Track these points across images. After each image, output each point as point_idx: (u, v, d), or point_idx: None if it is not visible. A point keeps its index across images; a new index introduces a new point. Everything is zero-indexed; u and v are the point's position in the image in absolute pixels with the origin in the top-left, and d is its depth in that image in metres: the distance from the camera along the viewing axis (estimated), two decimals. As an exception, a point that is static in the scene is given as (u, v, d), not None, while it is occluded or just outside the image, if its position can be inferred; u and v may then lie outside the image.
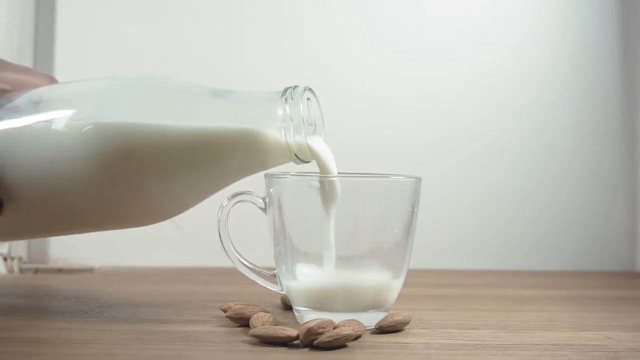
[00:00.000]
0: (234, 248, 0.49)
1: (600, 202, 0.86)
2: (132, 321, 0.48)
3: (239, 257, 0.50)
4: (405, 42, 0.86)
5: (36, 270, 0.77)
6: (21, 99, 0.48)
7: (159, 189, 0.47)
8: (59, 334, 0.44)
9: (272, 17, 0.85)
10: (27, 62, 0.81)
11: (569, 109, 0.87)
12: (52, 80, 0.52)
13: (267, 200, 0.48)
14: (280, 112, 0.46)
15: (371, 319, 0.46)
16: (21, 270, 0.77)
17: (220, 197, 0.49)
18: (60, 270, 0.77)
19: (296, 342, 0.42)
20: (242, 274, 0.50)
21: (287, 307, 0.54)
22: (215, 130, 0.46)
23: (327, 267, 0.46)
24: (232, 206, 0.49)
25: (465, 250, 0.85)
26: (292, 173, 0.48)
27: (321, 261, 0.46)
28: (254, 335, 0.43)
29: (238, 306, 0.48)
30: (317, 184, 0.46)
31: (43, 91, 0.49)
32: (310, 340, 0.42)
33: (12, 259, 0.78)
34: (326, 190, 0.46)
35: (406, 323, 0.47)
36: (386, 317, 0.47)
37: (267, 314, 0.46)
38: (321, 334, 0.42)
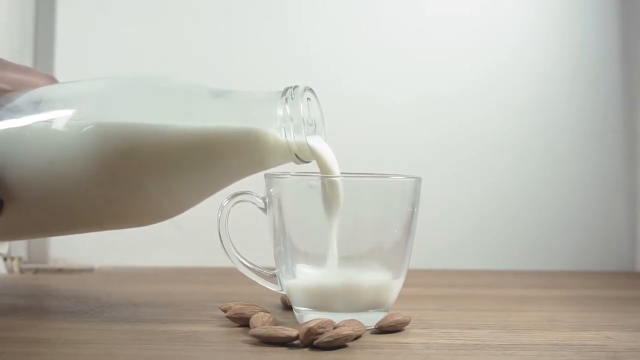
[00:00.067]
0: (234, 248, 0.49)
1: (600, 202, 0.86)
2: (132, 321, 0.48)
3: (239, 257, 0.50)
4: (405, 42, 0.86)
5: (36, 270, 0.77)
6: (21, 99, 0.48)
7: (159, 189, 0.47)
8: (59, 334, 0.44)
9: (272, 17, 0.85)
10: (27, 62, 0.81)
11: (569, 109, 0.87)
12: (53, 80, 0.52)
13: (267, 200, 0.48)
14: (280, 112, 0.46)
15: (371, 319, 0.46)
16: (21, 270, 0.77)
17: (220, 197, 0.49)
18: (60, 270, 0.77)
19: (296, 342, 0.42)
20: (242, 274, 0.50)
21: (287, 307, 0.54)
22: (215, 130, 0.46)
23: (330, 267, 0.46)
24: (232, 206, 0.49)
25: (465, 250, 0.85)
26: (292, 173, 0.48)
27: (321, 261, 0.47)
28: (254, 335, 0.43)
29: (238, 306, 0.48)
30: (319, 185, 0.46)
31: (43, 91, 0.49)
32: (310, 340, 0.42)
33: (12, 259, 0.78)
34: (328, 191, 0.46)
35: (406, 323, 0.47)
36: (386, 317, 0.47)
37: (267, 314, 0.46)
38: (321, 334, 0.42)
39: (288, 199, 0.47)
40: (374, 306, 0.47)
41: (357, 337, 0.44)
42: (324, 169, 0.47)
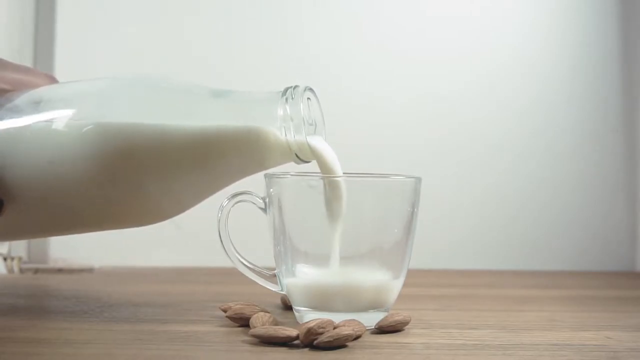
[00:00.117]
0: (234, 248, 0.49)
1: (600, 202, 0.86)
2: (132, 321, 0.48)
3: (239, 257, 0.50)
4: (405, 42, 0.86)
5: (36, 270, 0.77)
6: (21, 99, 0.48)
7: (159, 189, 0.47)
8: (59, 334, 0.44)
9: (272, 17, 0.85)
10: (27, 62, 0.81)
11: (569, 109, 0.87)
12: (53, 80, 0.52)
13: (267, 200, 0.48)
14: (280, 111, 0.46)
15: (371, 319, 0.46)
16: (21, 270, 0.77)
17: (220, 197, 0.49)
18: (60, 270, 0.77)
19: (296, 342, 0.42)
20: (242, 274, 0.50)
21: (287, 307, 0.54)
22: (215, 130, 0.46)
23: (332, 267, 0.46)
24: (232, 206, 0.49)
25: (465, 250, 0.85)
26: (292, 173, 0.48)
27: (321, 261, 0.47)
28: (254, 335, 0.43)
29: (238, 306, 0.48)
30: (319, 185, 0.46)
31: (43, 91, 0.49)
32: (310, 340, 0.42)
33: (12, 259, 0.78)
34: (330, 192, 0.46)
35: (406, 323, 0.47)
36: (386, 317, 0.47)
37: (267, 314, 0.46)
38: (321, 334, 0.42)
39: (288, 199, 0.47)
40: (374, 306, 0.47)
41: (357, 337, 0.44)
42: (325, 169, 0.47)
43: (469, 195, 0.85)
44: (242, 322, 0.47)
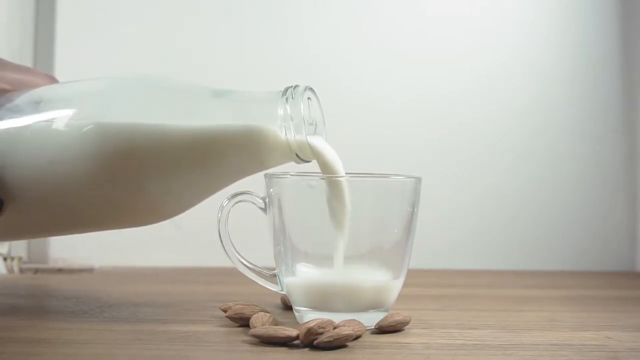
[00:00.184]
0: (234, 248, 0.49)
1: (600, 202, 0.86)
2: (132, 321, 0.48)
3: (239, 257, 0.50)
4: (405, 42, 0.86)
5: (36, 270, 0.77)
6: (21, 99, 0.48)
7: (159, 189, 0.47)
8: (59, 334, 0.44)
9: (272, 17, 0.85)
10: (27, 62, 0.81)
11: (569, 109, 0.87)
12: (53, 80, 0.52)
13: (267, 200, 0.48)
14: (280, 111, 0.46)
15: (371, 319, 0.46)
16: (21, 270, 0.77)
17: (220, 197, 0.49)
18: (60, 270, 0.77)
19: (296, 342, 0.42)
20: (242, 274, 0.50)
21: (287, 307, 0.54)
22: (215, 129, 0.46)
23: (336, 269, 0.46)
24: (232, 206, 0.49)
25: (465, 250, 0.85)
26: (292, 173, 0.48)
27: (321, 261, 0.47)
28: (254, 335, 0.43)
29: (238, 306, 0.48)
30: (319, 185, 0.46)
31: (43, 91, 0.49)
32: (310, 340, 0.42)
33: (12, 259, 0.78)
34: (331, 193, 0.46)
35: (406, 323, 0.47)
36: (386, 317, 0.47)
37: (267, 314, 0.46)
38: (321, 334, 0.42)
39: (288, 199, 0.47)
40: (374, 306, 0.47)
41: (357, 337, 0.44)
42: (325, 168, 0.47)
43: (469, 195, 0.85)
44: (242, 322, 0.47)
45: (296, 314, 0.49)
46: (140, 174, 0.46)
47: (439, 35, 0.86)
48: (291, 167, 0.49)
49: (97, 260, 0.80)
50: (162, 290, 0.65)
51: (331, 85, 0.80)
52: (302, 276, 0.47)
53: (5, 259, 0.77)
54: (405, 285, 0.49)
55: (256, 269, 0.50)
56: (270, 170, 0.49)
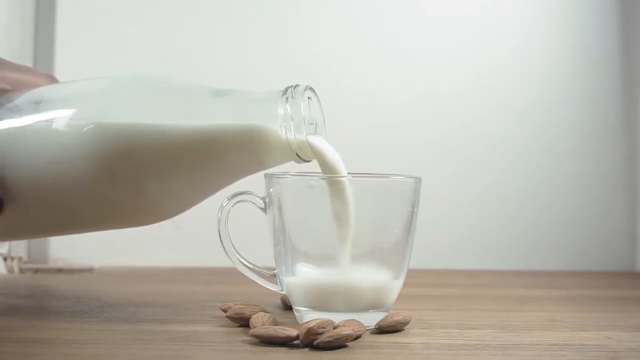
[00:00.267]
0: (234, 248, 0.49)
1: (600, 202, 0.86)
2: (132, 321, 0.48)
3: (239, 257, 0.50)
4: (405, 42, 0.86)
5: (36, 270, 0.77)
6: (22, 99, 0.48)
7: (159, 189, 0.47)
8: (59, 334, 0.44)
9: (272, 17, 0.85)
10: (27, 62, 0.81)
11: (569, 109, 0.87)
12: (53, 80, 0.52)
13: (267, 200, 0.48)
14: (281, 111, 0.46)
15: (371, 319, 0.46)
16: (21, 270, 0.77)
17: (220, 197, 0.49)
18: (60, 270, 0.77)
19: (296, 342, 0.42)
20: (242, 274, 0.50)
21: (287, 307, 0.54)
22: (215, 129, 0.46)
23: (340, 266, 0.46)
24: (232, 206, 0.49)
25: (465, 250, 0.85)
26: (292, 173, 0.48)
27: (321, 261, 0.47)
28: (254, 335, 0.43)
29: (238, 306, 0.48)
30: (319, 185, 0.46)
31: (43, 91, 0.49)
32: (310, 340, 0.42)
33: (12, 259, 0.78)
34: (333, 191, 0.46)
35: (406, 323, 0.47)
36: (386, 317, 0.47)
37: (267, 314, 0.46)
38: (321, 334, 0.42)
39: (288, 199, 0.47)
40: (374, 306, 0.47)
41: (357, 337, 0.44)
42: (326, 168, 0.47)
43: (469, 195, 0.85)
44: (242, 322, 0.47)
45: (296, 314, 0.49)
46: (140, 174, 0.46)
47: (439, 35, 0.86)
48: (291, 167, 0.49)
49: (97, 260, 0.80)
50: (162, 290, 0.65)
51: (331, 85, 0.80)
52: (302, 276, 0.47)
53: (5, 259, 0.77)
54: (405, 285, 0.49)
55: (256, 269, 0.50)
56: (270, 170, 0.49)
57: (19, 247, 0.78)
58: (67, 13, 0.82)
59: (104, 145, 0.45)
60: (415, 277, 0.55)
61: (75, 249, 0.79)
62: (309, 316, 0.46)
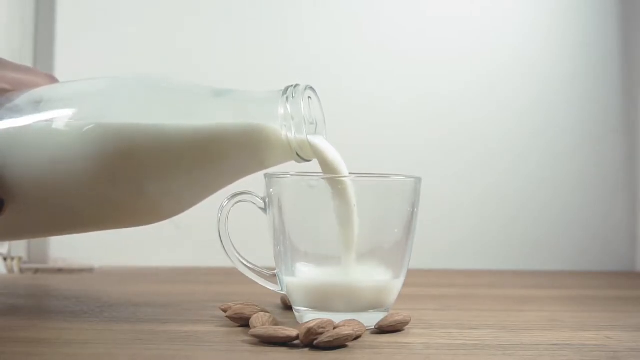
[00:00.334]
0: (234, 248, 0.49)
1: (600, 202, 0.86)
2: (132, 321, 0.48)
3: (239, 257, 0.50)
4: (405, 42, 0.86)
5: (36, 270, 0.77)
6: (22, 99, 0.48)
7: (159, 189, 0.47)
8: (59, 334, 0.44)
9: (272, 17, 0.85)
10: (27, 62, 0.81)
11: (569, 109, 0.87)
12: (53, 80, 0.52)
13: (267, 200, 0.48)
14: (281, 110, 0.46)
15: (371, 319, 0.46)
16: (21, 270, 0.77)
17: (220, 197, 0.49)
18: (60, 270, 0.77)
19: (296, 342, 0.42)
20: (242, 274, 0.50)
21: (287, 307, 0.54)
22: (215, 128, 0.46)
23: (344, 265, 0.46)
24: (232, 206, 0.49)
25: (465, 250, 0.85)
26: (292, 173, 0.48)
27: (321, 261, 0.47)
28: (254, 335, 0.43)
29: (238, 306, 0.48)
30: (319, 185, 0.46)
31: (44, 91, 0.49)
32: (310, 340, 0.42)
33: (12, 259, 0.78)
34: (334, 190, 0.46)
35: (406, 323, 0.47)
36: (386, 317, 0.47)
37: (267, 314, 0.46)
38: (321, 334, 0.42)
39: (288, 199, 0.47)
40: (374, 306, 0.47)
41: (357, 337, 0.44)
42: (326, 167, 0.47)
43: (469, 195, 0.85)
44: (242, 322, 0.47)
45: (296, 314, 0.49)
46: (140, 174, 0.46)
47: (439, 35, 0.86)
48: (291, 166, 0.49)
49: (97, 260, 0.80)
50: (162, 290, 0.65)
51: (331, 85, 0.79)
52: (302, 276, 0.47)
53: (5, 259, 0.77)
54: (405, 285, 0.49)
55: (256, 269, 0.50)
56: (270, 170, 0.49)
57: (19, 247, 0.78)
58: (67, 13, 0.82)
59: (104, 145, 0.45)
60: (415, 277, 0.55)
61: (75, 249, 0.80)
62: (309, 316, 0.46)
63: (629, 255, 0.86)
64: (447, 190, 0.84)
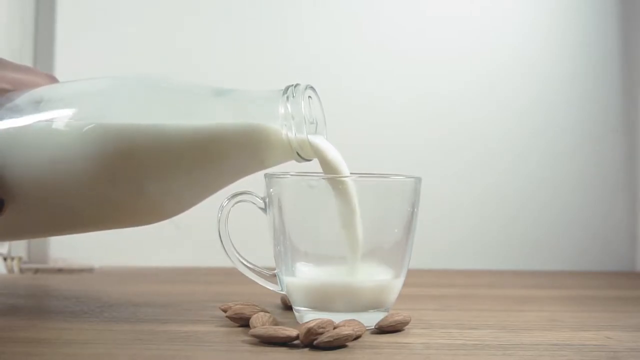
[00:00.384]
0: (234, 248, 0.49)
1: (600, 202, 0.86)
2: (132, 321, 0.48)
3: (239, 257, 0.50)
4: (405, 42, 0.86)
5: (36, 270, 0.77)
6: (22, 99, 0.48)
7: (159, 189, 0.47)
8: (59, 334, 0.44)
9: (272, 17, 0.85)
10: (27, 62, 0.81)
11: (569, 109, 0.87)
12: (53, 80, 0.52)
13: (267, 200, 0.48)
14: (281, 110, 0.46)
15: (371, 319, 0.46)
16: (21, 270, 0.77)
17: (220, 197, 0.49)
18: (60, 270, 0.77)
19: (296, 342, 0.42)
20: (242, 274, 0.50)
21: (287, 307, 0.54)
22: (216, 128, 0.46)
23: (349, 265, 0.46)
24: (232, 206, 0.49)
25: (465, 250, 0.85)
26: (292, 173, 0.48)
27: (321, 261, 0.47)
28: (254, 335, 0.43)
29: (238, 306, 0.48)
30: (319, 185, 0.46)
31: (44, 91, 0.49)
32: (310, 340, 0.42)
33: (12, 259, 0.78)
34: (335, 190, 0.46)
35: (406, 323, 0.47)
36: (386, 317, 0.47)
37: (267, 314, 0.46)
38: (321, 334, 0.42)
39: (288, 199, 0.47)
40: (374, 306, 0.47)
41: (357, 337, 0.44)
42: (326, 167, 0.47)
43: (469, 195, 0.85)
44: (242, 322, 0.47)
45: (296, 314, 0.49)
46: (140, 174, 0.46)
47: (439, 35, 0.86)
48: (292, 166, 0.49)
49: (97, 260, 0.80)
50: (162, 290, 0.65)
51: (331, 85, 0.79)
52: (302, 276, 0.47)
53: (5, 259, 0.77)
54: (405, 285, 0.49)
55: (256, 269, 0.50)
56: (270, 170, 0.49)
57: (19, 247, 0.78)
58: (67, 13, 0.82)
59: (104, 145, 0.45)
60: (415, 277, 0.55)
61: (75, 249, 0.80)
62: (309, 316, 0.46)
63: (629, 255, 0.86)
64: (447, 190, 0.85)
